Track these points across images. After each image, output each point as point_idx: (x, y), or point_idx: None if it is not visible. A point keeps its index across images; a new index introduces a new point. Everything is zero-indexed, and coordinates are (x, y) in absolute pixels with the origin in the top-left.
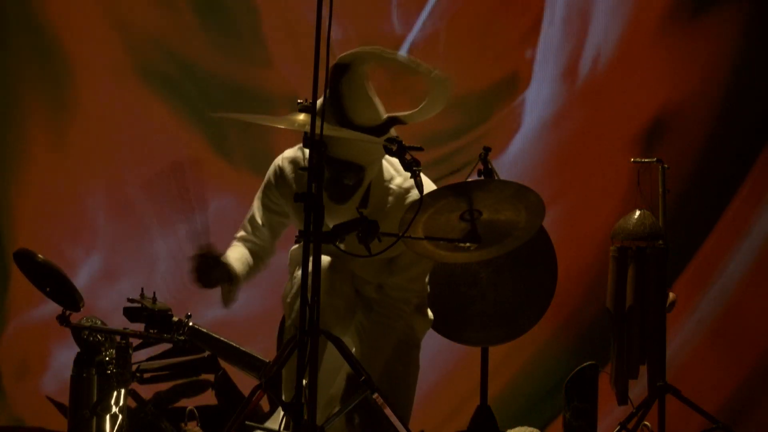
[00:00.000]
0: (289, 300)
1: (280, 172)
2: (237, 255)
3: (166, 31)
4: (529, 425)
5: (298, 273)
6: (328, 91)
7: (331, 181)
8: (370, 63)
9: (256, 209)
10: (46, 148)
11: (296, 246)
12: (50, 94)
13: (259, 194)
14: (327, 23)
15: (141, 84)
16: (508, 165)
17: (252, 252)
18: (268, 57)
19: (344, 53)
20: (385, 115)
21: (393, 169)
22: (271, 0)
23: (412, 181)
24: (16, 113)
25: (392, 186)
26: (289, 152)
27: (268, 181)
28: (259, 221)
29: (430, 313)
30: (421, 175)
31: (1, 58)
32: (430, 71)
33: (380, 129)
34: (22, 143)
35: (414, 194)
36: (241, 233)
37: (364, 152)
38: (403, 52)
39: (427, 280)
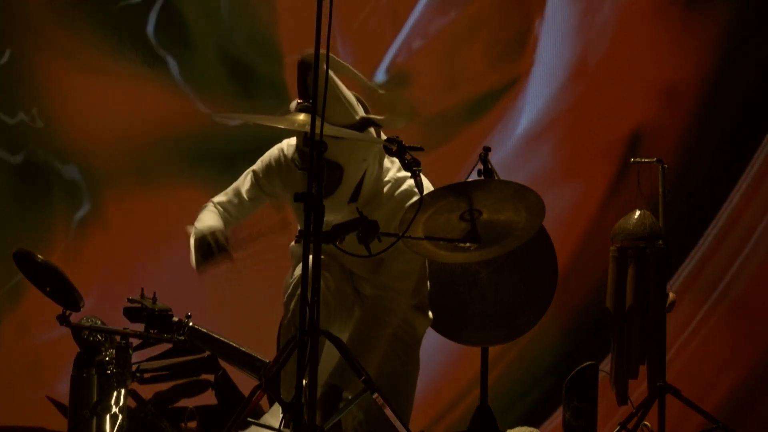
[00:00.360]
0: (285, 300)
1: (284, 159)
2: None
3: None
4: (524, 419)
5: (295, 272)
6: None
7: None
8: (331, 64)
9: (247, 184)
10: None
11: (295, 243)
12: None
13: (251, 174)
14: (327, 25)
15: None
16: (508, 165)
17: (225, 221)
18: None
19: (305, 54)
20: (359, 116)
21: (389, 160)
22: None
23: (406, 172)
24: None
25: (386, 177)
26: (294, 140)
27: (269, 165)
28: (246, 197)
29: (430, 312)
30: (421, 175)
31: (26, 167)
32: (378, 89)
33: (354, 129)
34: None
35: (408, 183)
36: (222, 200)
37: (342, 152)
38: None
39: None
